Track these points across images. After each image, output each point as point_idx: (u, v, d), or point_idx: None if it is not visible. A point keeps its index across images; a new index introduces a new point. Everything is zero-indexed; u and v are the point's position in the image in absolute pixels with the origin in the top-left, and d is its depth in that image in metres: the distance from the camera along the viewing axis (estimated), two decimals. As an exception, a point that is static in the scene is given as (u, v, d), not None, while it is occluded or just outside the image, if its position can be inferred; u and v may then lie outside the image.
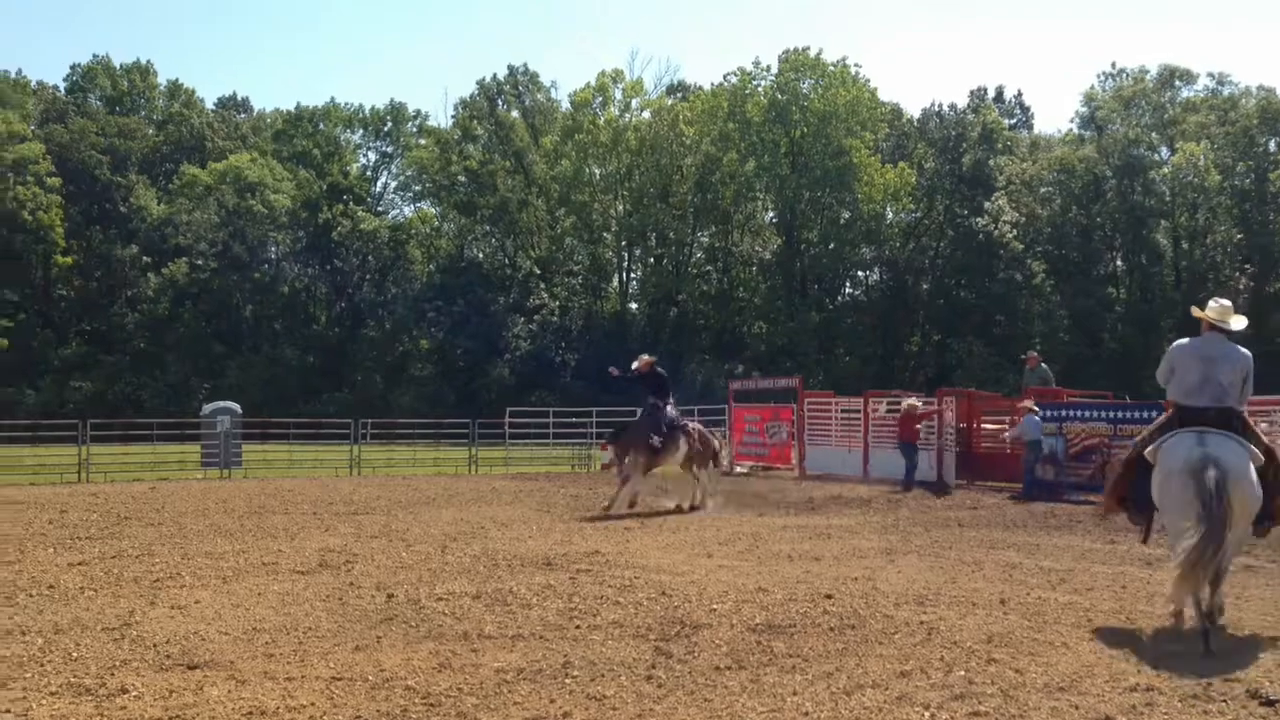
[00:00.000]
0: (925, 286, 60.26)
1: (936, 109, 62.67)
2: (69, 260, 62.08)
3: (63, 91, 71.40)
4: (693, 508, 17.54)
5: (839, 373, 50.57)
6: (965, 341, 55.02)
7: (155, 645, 7.70)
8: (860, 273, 63.23)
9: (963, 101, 63.05)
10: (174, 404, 51.64)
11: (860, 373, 50.37)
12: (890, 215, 60.06)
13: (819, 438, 25.96)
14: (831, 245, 58.65)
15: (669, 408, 17.72)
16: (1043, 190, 58.15)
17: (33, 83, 70.90)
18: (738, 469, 27.56)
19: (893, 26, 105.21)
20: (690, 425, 18.53)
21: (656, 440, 17.23)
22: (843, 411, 25.87)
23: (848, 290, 63.71)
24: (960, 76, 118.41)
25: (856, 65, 58.65)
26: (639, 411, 18.30)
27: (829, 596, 9.40)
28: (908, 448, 21.52)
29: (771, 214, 61.46)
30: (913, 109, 65.11)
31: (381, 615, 8.80)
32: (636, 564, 11.57)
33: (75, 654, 7.44)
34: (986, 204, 56.69)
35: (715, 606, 8.99)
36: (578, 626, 8.38)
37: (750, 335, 57.83)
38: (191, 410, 41.89)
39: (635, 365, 18.11)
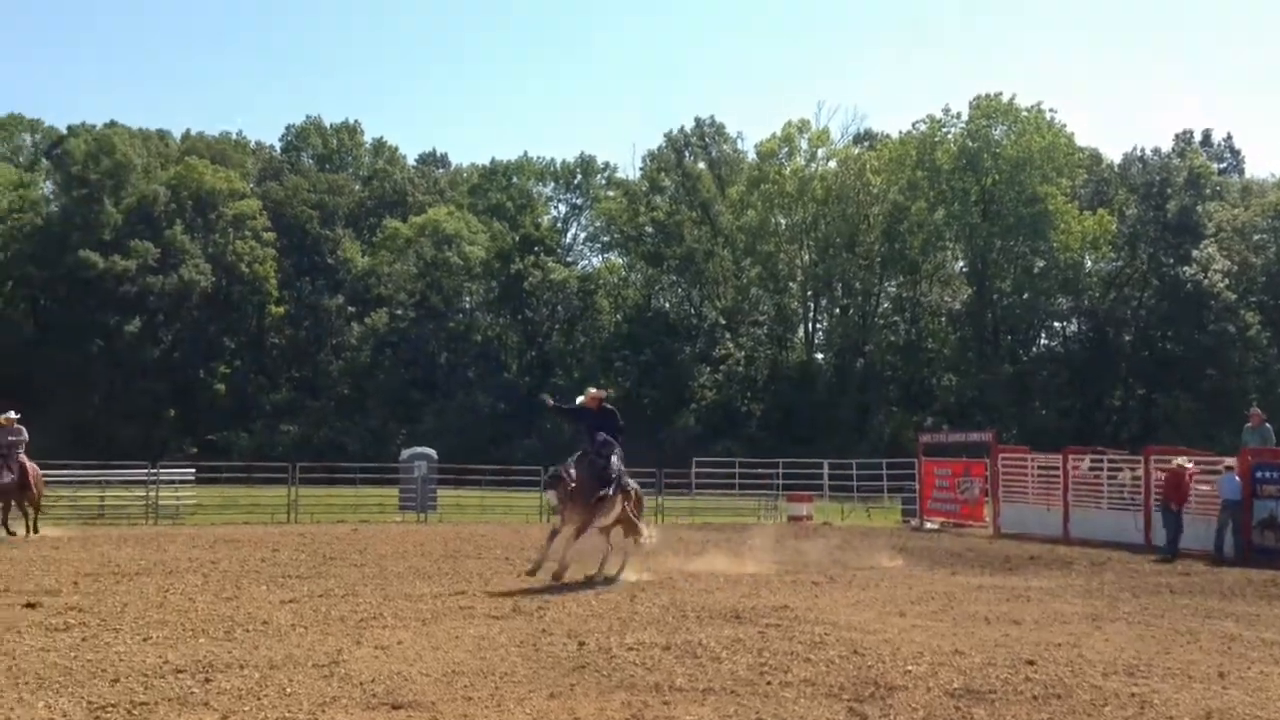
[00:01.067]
0: (1128, 338, 57.75)
1: (1138, 153, 60.46)
2: (281, 310, 65.65)
3: (278, 151, 75.96)
4: (606, 579, 14.67)
5: (1034, 427, 48.88)
6: (1172, 396, 52.45)
7: (362, 684, 7.98)
8: (1057, 323, 61.12)
9: (1167, 145, 60.64)
10: (373, 448, 53.67)
11: (1057, 427, 48.53)
12: (1089, 264, 57.94)
13: (1014, 494, 25.10)
14: (1025, 295, 56.91)
15: (615, 457, 14.72)
16: (1256, 238, 55.19)
17: (251, 143, 75.84)
18: (928, 525, 26.91)
19: (1089, 71, 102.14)
20: (631, 483, 15.59)
21: (598, 497, 14.36)
22: (1040, 468, 24.95)
23: (1043, 341, 61.65)
24: (1164, 119, 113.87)
25: (1052, 110, 57.16)
26: (579, 453, 14.71)
27: (1031, 663, 9.04)
28: (1171, 514, 19.27)
29: (962, 263, 60.14)
30: (1113, 154, 62.95)
31: (574, 663, 8.91)
32: (826, 620, 11.38)
33: (289, 689, 7.78)
34: (1195, 252, 54.09)
35: (910, 668, 8.76)
36: (769, 683, 8.28)
37: (939, 387, 56.52)
38: (390, 455, 43.47)
39: (582, 400, 15.34)
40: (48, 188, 67.16)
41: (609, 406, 15.42)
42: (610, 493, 14.43)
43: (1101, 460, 23.89)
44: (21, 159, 69.83)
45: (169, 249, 61.58)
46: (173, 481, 29.26)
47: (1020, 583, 15.32)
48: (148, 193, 62.79)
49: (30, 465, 20.51)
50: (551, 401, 16.45)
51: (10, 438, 20.37)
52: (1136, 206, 57.68)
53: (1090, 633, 10.90)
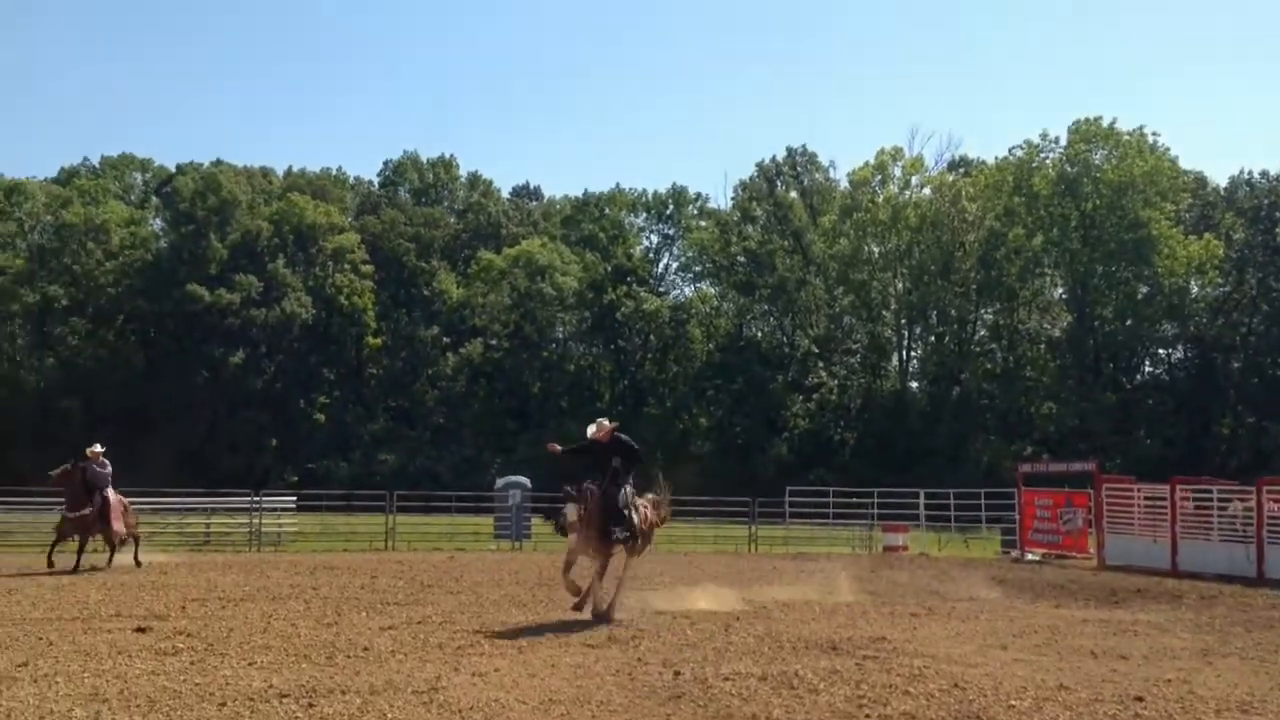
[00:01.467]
0: (1236, 365, 56.06)
1: (1245, 177, 58.85)
2: (378, 342, 66.90)
3: (376, 185, 77.61)
4: (597, 615, 13.25)
5: (1138, 456, 47.64)
6: (1284, 424, 50.72)
7: (460, 711, 8.06)
8: (1161, 350, 59.58)
9: (1276, 168, 58.92)
10: (468, 477, 54.22)
11: (1163, 456, 47.21)
12: (1195, 289, 56.43)
13: (1119, 526, 24.45)
14: (1128, 321, 55.61)
15: (627, 487, 13.78)
16: (1371, 260, 53.30)
17: (351, 178, 77.61)
18: (1028, 556, 26.35)
19: (1192, 93, 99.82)
20: (643, 505, 14.37)
21: (616, 539, 13.58)
22: (1146, 498, 24.27)
23: (1147, 369, 60.14)
24: (1271, 142, 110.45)
25: (1154, 134, 55.95)
26: (591, 485, 13.69)
27: (1139, 699, 8.79)
28: None
29: (1061, 290, 59.01)
30: (1219, 177, 61.33)
31: (669, 692, 8.89)
32: (925, 653, 11.19)
33: (389, 715, 7.89)
34: (1307, 275, 52.39)
35: (1014, 703, 8.58)
36: (867, 716, 8.18)
37: (1039, 416, 55.41)
38: (484, 483, 43.89)
39: (593, 431, 14.28)
40: (157, 224, 69.50)
41: (622, 436, 14.33)
42: (623, 536, 13.54)
43: (1210, 493, 23.15)
44: (133, 197, 72.40)
45: (271, 282, 63.26)
46: (275, 509, 29.87)
47: (1127, 616, 14.90)
48: (251, 228, 64.61)
49: (115, 498, 20.40)
50: (559, 448, 14.91)
51: (96, 468, 20.23)
52: (1244, 230, 56.16)
53: (1201, 668, 10.57)
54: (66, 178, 70.64)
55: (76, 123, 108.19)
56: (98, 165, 73.22)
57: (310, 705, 8.16)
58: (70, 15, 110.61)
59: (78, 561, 19.55)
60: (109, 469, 20.49)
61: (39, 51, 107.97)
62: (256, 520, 27.92)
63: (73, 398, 59.01)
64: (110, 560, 20.27)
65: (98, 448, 20.57)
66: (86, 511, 19.71)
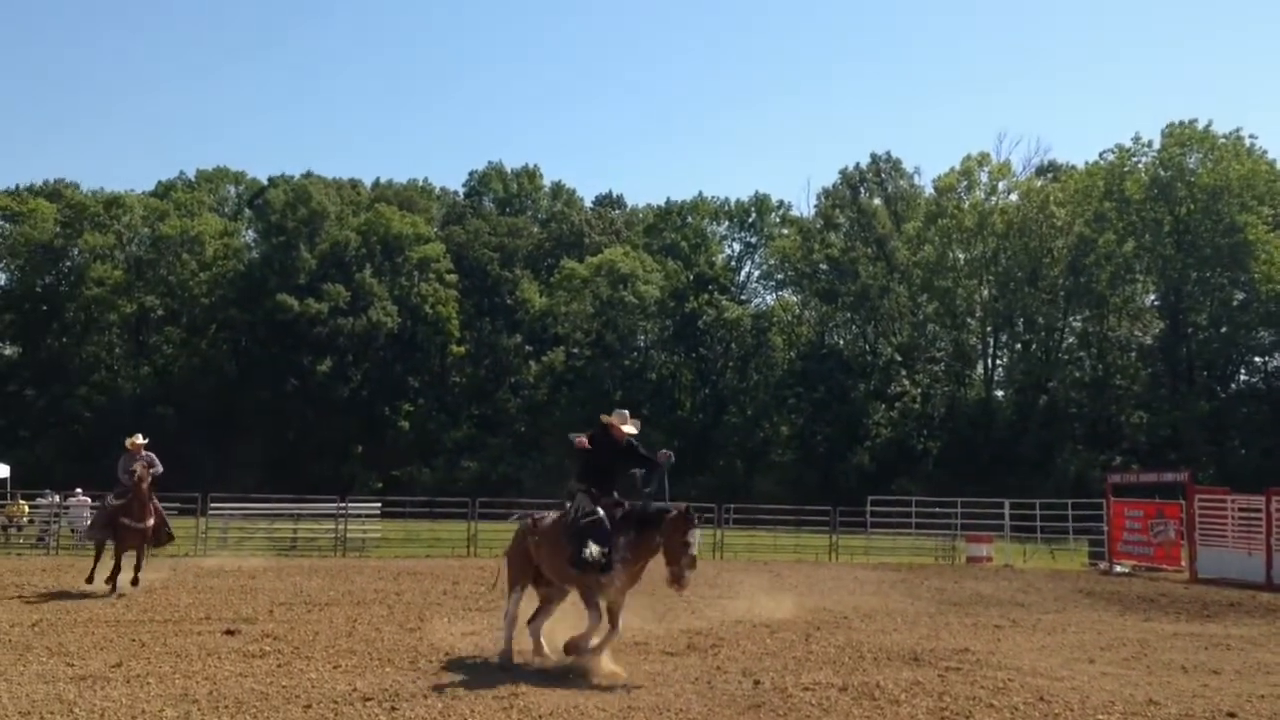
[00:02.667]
0: (1338, 373, 54.25)
1: (1347, 178, 56.82)
2: (462, 350, 67.71)
3: (461, 196, 78.63)
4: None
5: (1233, 467, 46.25)
6: (1387, 434, 48.95)
7: (540, 716, 8.15)
8: (1258, 358, 57.75)
9: (1377, 169, 56.80)
10: (549, 484, 54.50)
11: (1259, 467, 45.80)
12: (1293, 295, 54.70)
13: (1212, 538, 23.80)
14: (1224, 329, 54.09)
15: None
16: None
17: (436, 189, 78.75)
18: (1117, 568, 25.79)
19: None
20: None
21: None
22: (1240, 510, 23.60)
23: (1243, 377, 58.36)
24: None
25: (1251, 136, 54.43)
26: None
27: (1232, 715, 8.57)
28: None
29: (1153, 296, 57.63)
30: (1319, 179, 59.28)
31: (749, 701, 8.88)
32: (1009, 665, 11.03)
33: (470, 719, 7.99)
34: None
35: (1101, 717, 8.43)
36: (949, 729, 8.09)
37: (1129, 425, 54.12)
38: (565, 492, 44.09)
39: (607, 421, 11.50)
40: (250, 236, 71.22)
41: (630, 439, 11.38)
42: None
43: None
44: (226, 209, 74.32)
45: (358, 292, 64.37)
46: (360, 515, 30.35)
47: (1219, 630, 14.51)
48: (340, 238, 65.85)
49: (154, 504, 17.26)
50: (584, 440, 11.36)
51: (134, 465, 16.82)
52: (1346, 234, 54.30)
53: (1298, 686, 10.26)
54: (163, 191, 72.68)
55: (173, 137, 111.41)
56: (193, 178, 75.26)
57: (393, 709, 8.30)
58: (167, 32, 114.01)
59: (114, 580, 16.49)
60: (158, 466, 17.18)
61: (136, 68, 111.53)
62: (342, 526, 28.39)
63: (167, 405, 60.56)
64: (136, 578, 16.86)
65: (139, 438, 17.58)
66: (149, 523, 16.82)
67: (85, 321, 64.52)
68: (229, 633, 12.17)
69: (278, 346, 63.93)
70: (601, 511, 10.39)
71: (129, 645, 11.25)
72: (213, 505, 28.63)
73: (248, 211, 73.17)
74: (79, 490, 30.23)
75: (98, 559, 17.41)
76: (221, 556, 22.40)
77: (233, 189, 76.48)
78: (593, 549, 10.04)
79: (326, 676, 9.57)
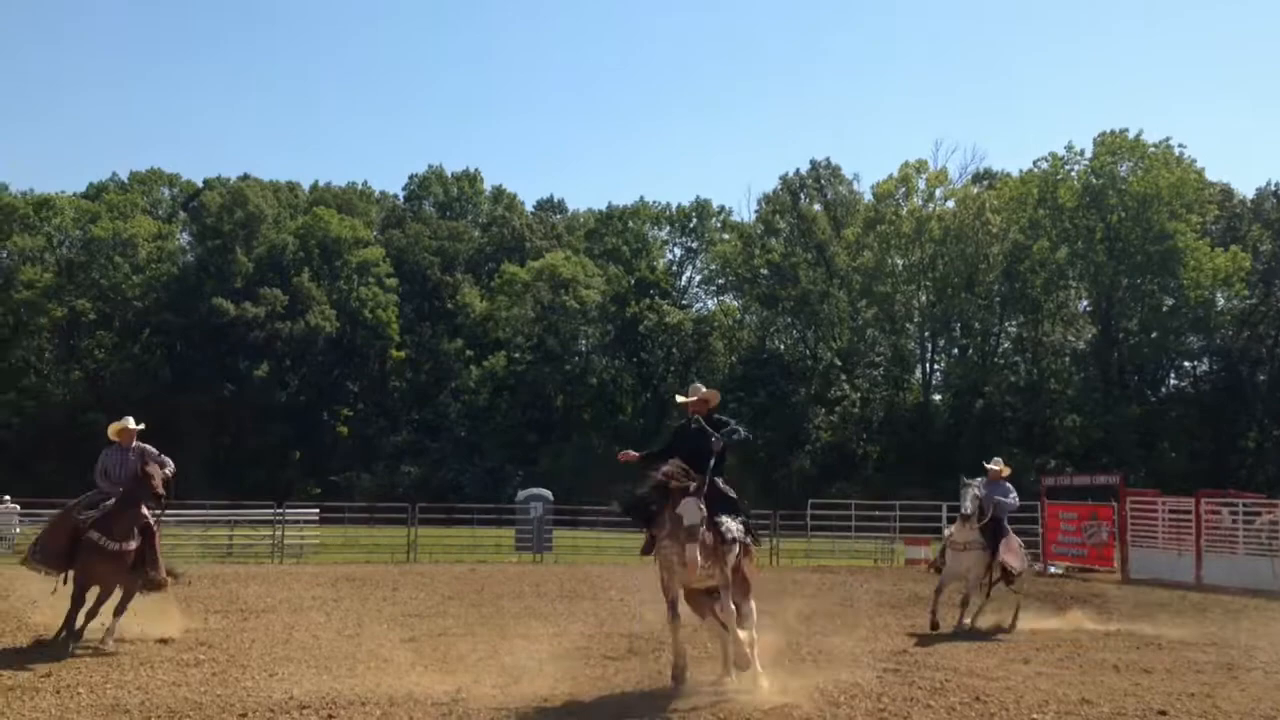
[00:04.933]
0: (1263, 377, 55.51)
1: (1273, 188, 58.31)
2: (402, 355, 67.21)
3: (401, 199, 78.02)
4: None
5: (1164, 470, 47.17)
6: (1312, 438, 50.23)
7: (479, 721, 8.09)
8: (1187, 363, 59.06)
9: (1303, 178, 58.37)
10: (490, 489, 54.32)
11: (1188, 470, 46.79)
12: (1221, 302, 55.93)
13: (1143, 539, 24.30)
14: (1154, 334, 55.19)
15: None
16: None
17: (376, 192, 78.02)
18: (1051, 569, 26.19)
19: (1219, 104, 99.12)
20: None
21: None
22: (1170, 512, 24.11)
23: (1172, 381, 59.61)
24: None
25: (1181, 145, 55.54)
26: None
27: (1163, 713, 8.74)
28: None
29: (1085, 302, 58.62)
30: (1245, 189, 60.75)
31: (689, 704, 8.90)
32: (946, 665, 11.17)
33: (408, 725, 7.93)
34: (1334, 287, 51.91)
35: (1035, 717, 8.55)
36: (887, 729, 8.16)
37: (1062, 429, 55.01)
38: (507, 496, 43.92)
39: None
40: (184, 238, 70.04)
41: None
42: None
43: (1236, 506, 23.01)
44: (160, 211, 72.96)
45: (296, 296, 63.62)
46: (297, 521, 30.01)
47: (1151, 630, 14.79)
48: (277, 242, 65.07)
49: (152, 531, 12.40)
50: (635, 455, 10.41)
51: (130, 457, 12.21)
52: (1271, 242, 55.68)
53: (1225, 683, 10.49)
54: (95, 193, 71.28)
55: (105, 138, 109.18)
56: (126, 180, 73.86)
57: (330, 716, 8.21)
58: (98, 32, 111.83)
59: (71, 624, 11.53)
60: (171, 465, 12.36)
61: (68, 68, 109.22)
62: (279, 532, 28.03)
63: (99, 411, 59.32)
64: (112, 627, 11.85)
65: (131, 422, 12.47)
66: (130, 546, 11.77)
67: (14, 325, 63.06)
68: (162, 641, 11.95)
69: (214, 351, 63.00)
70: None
71: (59, 655, 10.99)
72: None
73: (182, 214, 71.95)
74: (7, 497, 29.64)
75: (76, 606, 11.55)
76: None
77: (167, 191, 75.13)
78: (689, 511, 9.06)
79: (263, 684, 9.45)
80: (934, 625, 13.97)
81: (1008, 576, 14.68)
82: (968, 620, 14.51)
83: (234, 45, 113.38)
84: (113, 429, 12.55)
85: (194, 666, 10.40)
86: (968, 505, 14.36)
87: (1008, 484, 15.62)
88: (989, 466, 15.61)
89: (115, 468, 12.19)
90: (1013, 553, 14.70)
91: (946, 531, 16.51)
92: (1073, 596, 19.63)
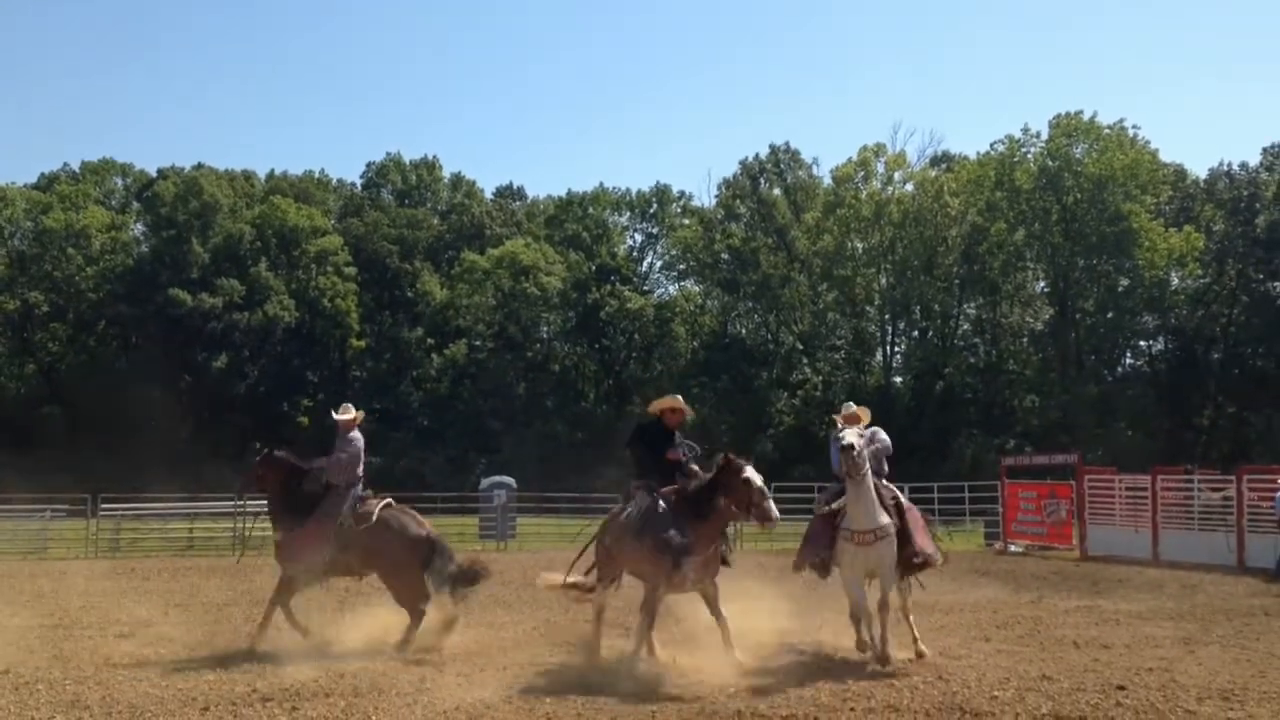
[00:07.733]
0: (1217, 356, 56.33)
1: (1225, 168, 59.00)
2: (362, 344, 66.69)
3: (359, 188, 77.32)
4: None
5: (1121, 448, 47.75)
6: (1264, 414, 50.96)
7: (445, 712, 8.08)
8: (1143, 342, 59.79)
9: (1255, 159, 59.08)
10: (453, 478, 54.05)
11: (1145, 448, 47.41)
12: (1175, 281, 56.65)
13: (1101, 517, 24.60)
14: (1110, 314, 55.79)
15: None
16: (1351, 249, 53.53)
17: (333, 180, 77.26)
18: (1012, 548, 26.48)
19: (1172, 85, 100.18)
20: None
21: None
22: (1128, 489, 24.43)
23: (1129, 361, 60.33)
24: (1252, 133, 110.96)
25: (1135, 127, 56.07)
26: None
27: (1121, 688, 8.85)
28: None
29: (1043, 283, 59.16)
30: (1198, 169, 61.44)
31: (653, 694, 8.92)
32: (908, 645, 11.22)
33: (373, 717, 7.90)
34: (1286, 266, 52.66)
35: (996, 694, 8.63)
36: (852, 709, 8.22)
37: (1021, 409, 55.58)
38: (470, 484, 43.76)
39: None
40: (138, 229, 69.07)
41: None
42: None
43: (1191, 482, 23.33)
44: (114, 202, 71.89)
45: (254, 286, 62.94)
46: (258, 513, 29.68)
47: (1109, 606, 14.99)
48: (234, 232, 64.33)
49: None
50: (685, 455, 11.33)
51: (339, 456, 12.60)
52: (1224, 222, 56.38)
53: (1183, 657, 10.65)
54: (46, 183, 70.07)
55: (56, 128, 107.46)
56: (78, 171, 72.66)
57: (294, 709, 8.16)
58: (48, 21, 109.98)
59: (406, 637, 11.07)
60: (346, 455, 12.58)
61: (18, 58, 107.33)
62: (240, 525, 27.78)
63: (54, 404, 58.68)
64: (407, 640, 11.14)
65: (350, 411, 12.86)
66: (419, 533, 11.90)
67: (-35, 319, 62.17)
68: (122, 636, 11.84)
69: (170, 343, 62.20)
70: (663, 504, 10.48)
71: (16, 651, 10.86)
72: (104, 506, 27.81)
73: (136, 204, 70.94)
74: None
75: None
76: (113, 559, 21.77)
77: (120, 181, 73.95)
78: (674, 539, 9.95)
79: (224, 678, 9.38)
80: (862, 646, 10.58)
81: (921, 567, 11.07)
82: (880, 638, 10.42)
83: (187, 33, 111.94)
84: (341, 415, 12.90)
85: (154, 661, 10.30)
86: (849, 437, 10.94)
87: (875, 428, 12.58)
88: (844, 414, 12.49)
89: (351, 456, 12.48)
90: (923, 533, 11.31)
91: (825, 506, 12.06)
92: (1033, 574, 19.84)
